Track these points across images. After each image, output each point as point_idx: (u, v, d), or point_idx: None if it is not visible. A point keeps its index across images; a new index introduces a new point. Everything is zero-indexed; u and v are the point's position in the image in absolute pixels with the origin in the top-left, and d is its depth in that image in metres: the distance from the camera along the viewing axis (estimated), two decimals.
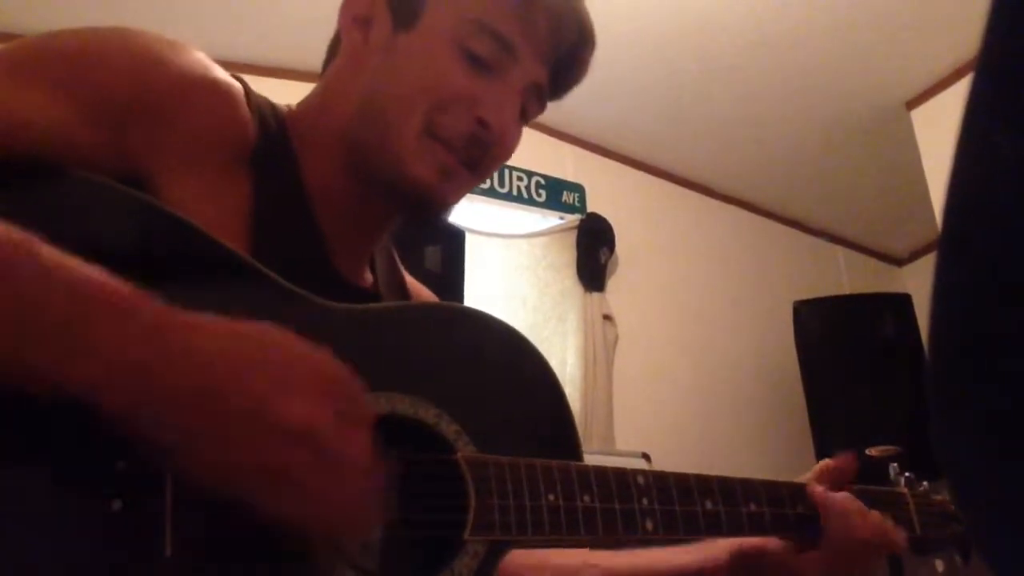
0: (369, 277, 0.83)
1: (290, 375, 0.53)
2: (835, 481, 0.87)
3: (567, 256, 3.26)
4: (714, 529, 0.77)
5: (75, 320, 0.49)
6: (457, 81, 0.73)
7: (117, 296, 0.51)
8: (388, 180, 0.74)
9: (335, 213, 0.75)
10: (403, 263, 0.95)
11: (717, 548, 0.86)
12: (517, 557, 0.73)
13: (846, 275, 4.13)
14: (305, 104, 0.79)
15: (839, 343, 3.16)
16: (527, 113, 0.80)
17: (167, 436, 0.50)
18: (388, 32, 0.75)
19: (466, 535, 0.63)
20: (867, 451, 0.90)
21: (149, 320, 0.51)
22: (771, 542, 0.85)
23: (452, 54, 0.73)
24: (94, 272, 0.51)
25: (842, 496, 0.85)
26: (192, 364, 0.51)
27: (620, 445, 2.95)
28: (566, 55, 0.78)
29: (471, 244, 2.70)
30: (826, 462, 0.89)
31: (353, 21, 0.78)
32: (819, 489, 0.85)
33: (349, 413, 0.54)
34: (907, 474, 0.92)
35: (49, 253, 0.50)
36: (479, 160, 0.76)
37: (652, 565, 0.87)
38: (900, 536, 0.85)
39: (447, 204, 0.77)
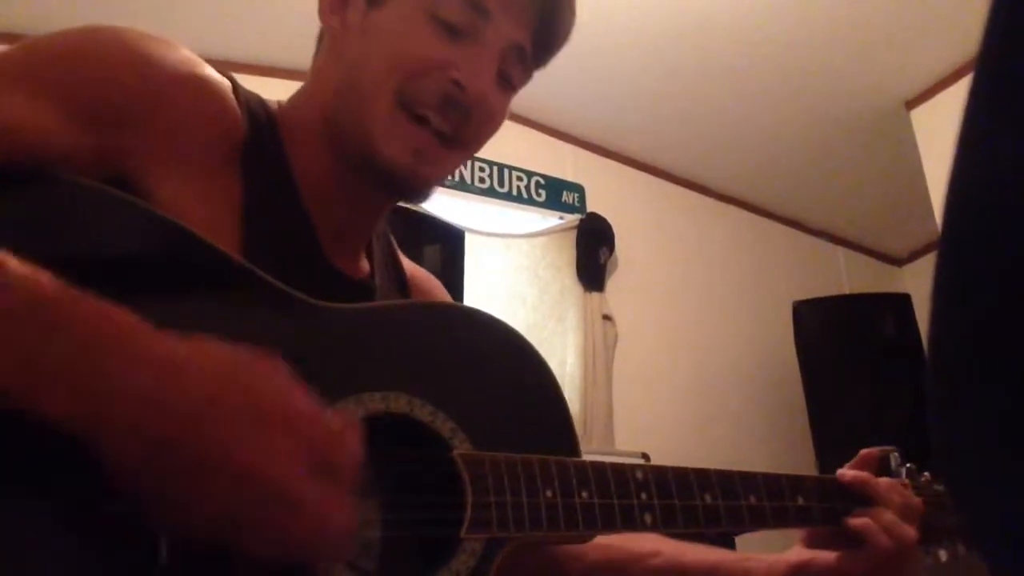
0: (365, 266, 0.83)
1: (264, 422, 0.50)
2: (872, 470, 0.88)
3: (567, 256, 3.26)
4: (713, 523, 0.77)
5: (44, 345, 0.47)
6: (428, 49, 0.71)
7: (89, 317, 0.49)
8: (363, 161, 0.73)
9: (326, 204, 0.75)
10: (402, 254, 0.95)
11: (779, 561, 0.86)
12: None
13: (846, 275, 4.13)
14: (294, 98, 0.79)
15: (839, 343, 3.16)
16: (510, 78, 0.77)
17: (132, 480, 0.48)
18: (362, 12, 0.75)
19: (463, 533, 0.63)
20: (860, 453, 0.91)
21: (119, 345, 0.49)
22: (824, 555, 0.85)
23: (423, 23, 0.72)
24: (67, 292, 0.49)
25: (886, 480, 0.86)
26: (158, 402, 0.48)
27: (620, 445, 2.95)
28: (544, 14, 0.76)
29: (471, 244, 2.71)
30: (870, 451, 0.90)
31: (330, 9, 0.77)
32: (861, 474, 0.86)
33: (329, 467, 0.51)
34: (908, 465, 0.92)
35: (17, 269, 0.48)
36: (460, 128, 0.73)
37: (716, 563, 0.87)
38: (910, 535, 0.85)
39: (424, 183, 0.75)
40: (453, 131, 0.73)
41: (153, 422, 0.48)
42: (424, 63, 0.71)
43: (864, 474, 0.87)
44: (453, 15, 0.72)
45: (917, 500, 0.87)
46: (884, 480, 0.87)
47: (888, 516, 0.83)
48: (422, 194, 0.76)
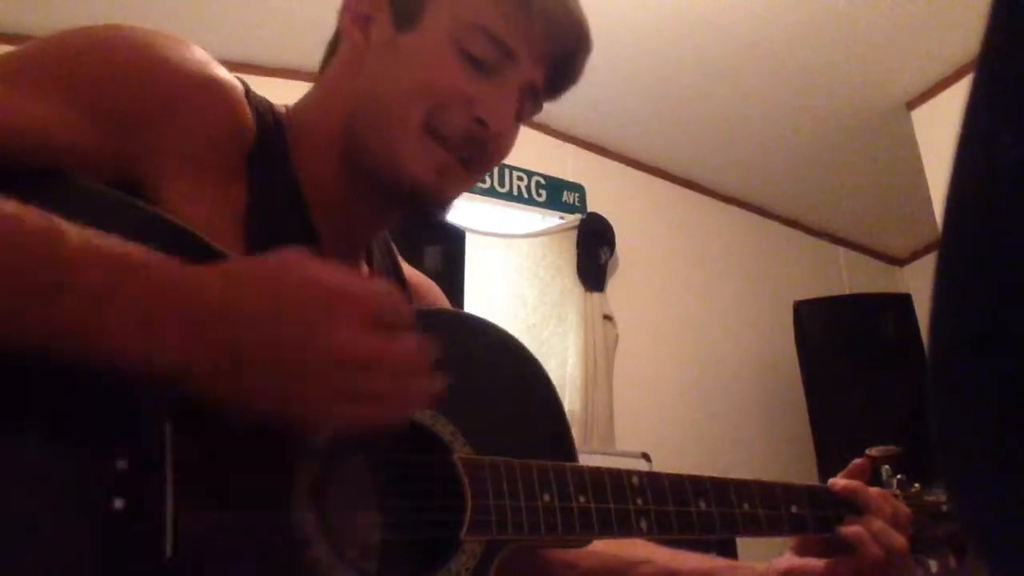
0: (364, 271, 0.83)
1: (321, 308, 0.55)
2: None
3: (567, 256, 3.26)
4: (708, 529, 0.78)
5: (116, 287, 0.51)
6: (456, 81, 0.74)
7: (148, 263, 0.54)
8: (386, 178, 0.74)
9: (330, 210, 0.76)
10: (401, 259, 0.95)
11: (771, 571, 0.88)
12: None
13: (846, 275, 4.13)
14: (302, 103, 0.80)
15: (839, 343, 3.16)
16: (523, 113, 0.80)
17: (226, 394, 0.54)
18: (389, 32, 0.76)
19: (463, 535, 0.64)
20: (867, 451, 0.90)
21: (181, 281, 0.54)
22: (815, 562, 0.86)
23: (451, 55, 0.74)
24: (118, 243, 0.53)
25: (877, 490, 0.87)
26: (230, 323, 0.54)
27: (620, 445, 2.95)
28: (562, 58, 0.79)
29: (471, 244, 2.71)
30: (861, 461, 0.91)
31: (353, 20, 0.78)
32: (852, 483, 0.88)
33: (384, 320, 0.57)
34: (899, 476, 0.93)
35: (73, 229, 0.52)
36: (476, 159, 0.77)
37: (707, 570, 0.88)
38: (900, 543, 0.85)
39: (445, 202, 0.78)
40: (470, 159, 0.76)
41: (235, 333, 0.53)
42: (451, 94, 0.74)
43: (855, 483, 0.89)
44: (481, 52, 0.74)
45: (906, 510, 0.88)
46: (875, 490, 0.89)
47: (878, 524, 0.85)
48: (442, 212, 0.79)
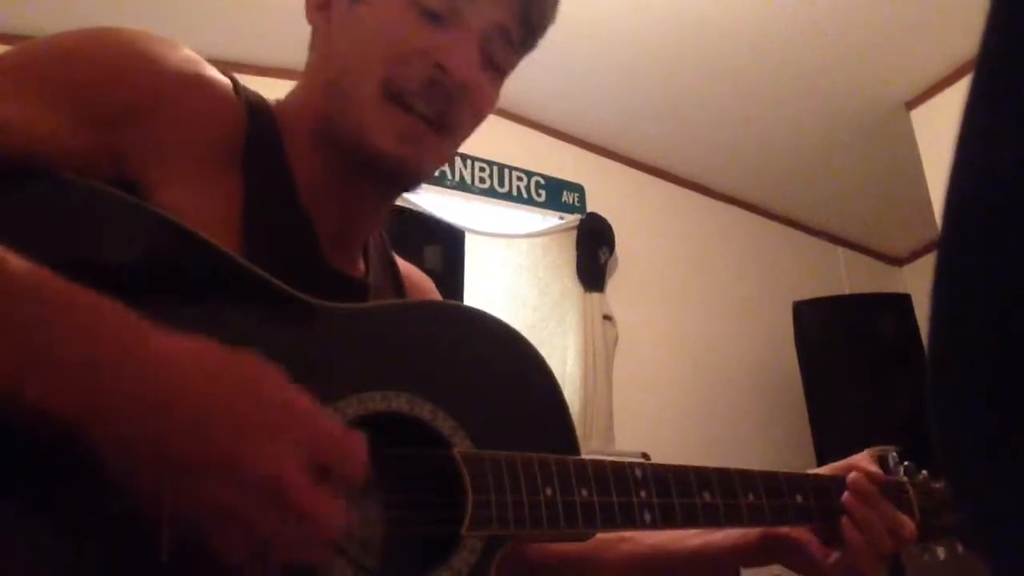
0: (362, 266, 0.83)
1: (268, 420, 0.51)
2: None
3: (567, 256, 3.26)
4: (712, 521, 0.78)
5: (40, 333, 0.48)
6: (411, 36, 0.71)
7: (87, 309, 0.50)
8: (353, 153, 0.73)
9: (324, 203, 0.75)
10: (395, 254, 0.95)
11: (751, 532, 0.87)
12: None
13: (846, 275, 4.13)
14: (288, 97, 0.80)
15: (839, 343, 3.16)
16: (497, 60, 0.77)
17: (130, 469, 0.49)
18: (345, 7, 0.75)
19: (463, 531, 0.64)
20: (867, 451, 0.90)
21: (118, 338, 0.50)
22: (796, 531, 0.86)
23: (404, 12, 0.72)
24: (66, 285, 0.50)
25: (858, 476, 0.87)
26: (159, 394, 0.49)
27: (620, 445, 2.95)
28: None
29: (471, 244, 2.71)
30: (857, 461, 0.90)
31: (315, 8, 0.78)
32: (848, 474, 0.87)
33: (326, 466, 0.52)
34: (906, 463, 0.93)
35: (17, 262, 0.49)
36: (444, 113, 0.73)
37: (684, 540, 0.88)
38: (909, 527, 0.85)
39: (416, 170, 0.75)
40: (438, 115, 0.72)
41: (153, 419, 0.48)
42: (407, 50, 0.71)
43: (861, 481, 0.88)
44: (433, 2, 0.72)
45: (903, 518, 0.87)
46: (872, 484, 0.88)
47: (874, 522, 0.84)
48: (413, 181, 0.76)
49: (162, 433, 0.48)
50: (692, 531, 0.88)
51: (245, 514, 0.49)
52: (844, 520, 0.84)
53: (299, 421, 0.52)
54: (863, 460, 0.91)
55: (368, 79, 0.71)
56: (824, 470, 0.90)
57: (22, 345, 0.48)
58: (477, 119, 0.77)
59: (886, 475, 0.92)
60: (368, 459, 0.55)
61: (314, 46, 0.79)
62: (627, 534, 0.88)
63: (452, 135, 0.75)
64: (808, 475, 0.87)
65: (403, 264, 0.93)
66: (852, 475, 0.87)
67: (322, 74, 0.76)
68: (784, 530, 0.86)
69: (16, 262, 0.50)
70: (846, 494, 0.85)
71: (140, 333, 0.51)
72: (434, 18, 0.72)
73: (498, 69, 0.77)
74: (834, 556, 0.85)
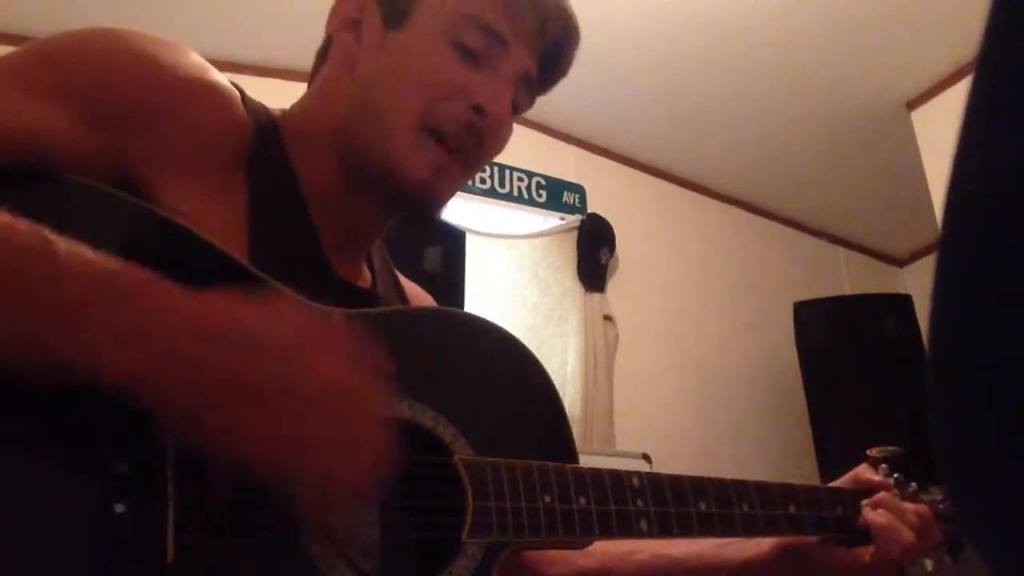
0: (367, 276, 0.84)
1: (314, 342, 0.55)
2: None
3: (567, 256, 3.26)
4: (708, 530, 0.79)
5: (102, 310, 0.50)
6: (451, 73, 0.74)
7: (138, 282, 0.52)
8: (382, 178, 0.74)
9: (330, 213, 0.76)
10: (403, 264, 0.95)
11: (764, 543, 0.88)
12: None
13: (846, 275, 4.13)
14: (297, 107, 0.80)
15: (839, 343, 3.16)
16: (517, 106, 0.80)
17: (207, 419, 0.52)
18: (379, 32, 0.76)
19: (464, 537, 0.64)
20: (867, 451, 0.90)
21: (172, 304, 0.53)
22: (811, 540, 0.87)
23: (444, 48, 0.74)
24: (110, 260, 0.52)
25: (885, 495, 0.88)
26: (217, 346, 0.52)
27: (620, 446, 2.95)
28: (552, 47, 0.80)
29: (471, 245, 2.70)
30: (862, 474, 0.91)
31: (343, 23, 0.78)
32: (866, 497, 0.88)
33: (373, 374, 0.57)
34: (896, 475, 0.93)
35: (62, 242, 0.51)
36: (472, 151, 0.76)
37: (701, 554, 0.88)
38: (908, 537, 0.86)
39: (441, 201, 0.77)
40: (467, 152, 0.76)
41: (218, 359, 0.52)
42: (447, 87, 0.73)
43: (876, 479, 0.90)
44: (474, 43, 0.74)
45: (923, 509, 0.88)
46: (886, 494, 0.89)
47: (895, 520, 0.85)
48: (437, 211, 0.79)
49: (236, 381, 0.52)
50: (709, 543, 0.89)
51: (316, 421, 0.53)
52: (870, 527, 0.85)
53: (339, 339, 0.58)
54: (864, 472, 0.91)
55: (406, 109, 0.73)
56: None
57: (83, 322, 0.50)
58: (495, 155, 0.80)
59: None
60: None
61: (333, 60, 0.79)
62: (638, 547, 0.88)
63: (473, 170, 0.79)
64: (800, 486, 0.88)
65: (404, 280, 0.94)
66: (876, 496, 0.87)
67: (344, 92, 0.76)
68: (799, 540, 0.87)
69: (61, 244, 0.51)
70: (869, 511, 0.86)
71: (187, 298, 0.54)
72: (471, 57, 0.74)
73: (516, 111, 0.81)
74: (860, 556, 0.85)
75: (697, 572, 0.88)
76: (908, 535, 0.84)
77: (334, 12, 0.79)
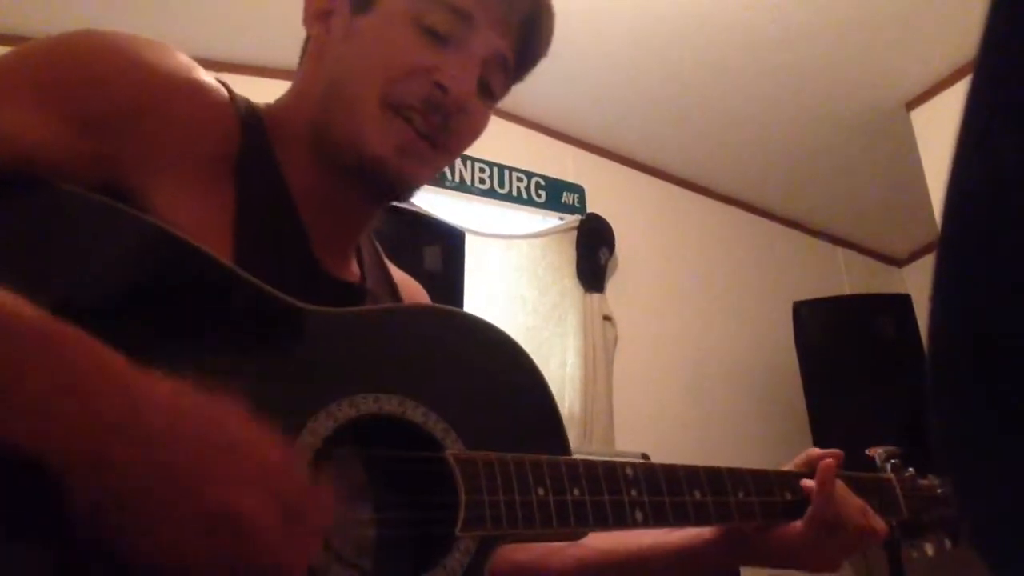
0: (356, 270, 0.83)
1: (244, 467, 0.50)
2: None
3: (567, 257, 3.26)
4: (703, 518, 0.79)
5: (8, 377, 0.47)
6: (414, 54, 0.73)
7: (61, 350, 0.49)
8: (350, 160, 0.74)
9: (317, 208, 0.75)
10: (403, 264, 0.95)
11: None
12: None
13: (846, 275, 4.13)
14: (279, 103, 0.80)
15: (839, 343, 3.16)
16: (492, 87, 0.79)
17: (99, 509, 0.47)
18: (347, 19, 0.76)
19: (457, 531, 0.64)
20: (867, 451, 0.90)
21: (98, 379, 0.49)
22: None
23: (409, 30, 0.74)
24: (38, 317, 0.49)
25: (830, 474, 0.88)
26: (125, 437, 0.48)
27: (620, 445, 2.95)
28: (525, 23, 0.78)
29: (471, 245, 2.70)
30: (813, 451, 0.91)
31: (315, 16, 0.78)
32: (808, 480, 0.88)
33: (295, 513, 0.51)
34: (893, 460, 0.93)
35: (4, 299, 0.48)
36: (440, 130, 0.75)
37: (638, 543, 0.88)
38: (880, 525, 0.86)
39: (410, 181, 0.76)
40: (434, 132, 0.74)
41: (125, 453, 0.47)
42: (409, 67, 0.73)
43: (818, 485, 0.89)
44: (438, 23, 0.74)
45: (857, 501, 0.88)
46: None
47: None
48: (407, 192, 0.77)
49: (129, 471, 0.47)
50: (646, 532, 0.89)
51: (217, 557, 0.48)
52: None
53: (273, 466, 0.52)
54: (813, 451, 0.93)
55: (368, 90, 0.72)
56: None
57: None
58: (469, 140, 0.79)
59: (874, 472, 0.92)
60: (361, 460, 0.55)
61: (308, 54, 0.79)
62: (580, 542, 0.87)
63: (446, 152, 0.77)
64: (796, 472, 0.89)
65: (397, 272, 0.94)
66: (823, 462, 0.88)
67: (319, 82, 0.76)
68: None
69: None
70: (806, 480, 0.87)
71: (115, 370, 0.50)
72: (437, 38, 0.74)
73: (492, 95, 0.79)
74: (795, 525, 0.85)
75: (631, 562, 0.88)
76: (842, 495, 0.85)
77: (306, 4, 0.79)
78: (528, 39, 0.79)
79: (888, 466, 0.93)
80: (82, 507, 0.46)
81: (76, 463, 0.46)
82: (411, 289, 0.94)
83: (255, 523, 0.49)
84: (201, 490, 0.48)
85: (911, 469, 0.94)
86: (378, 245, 0.92)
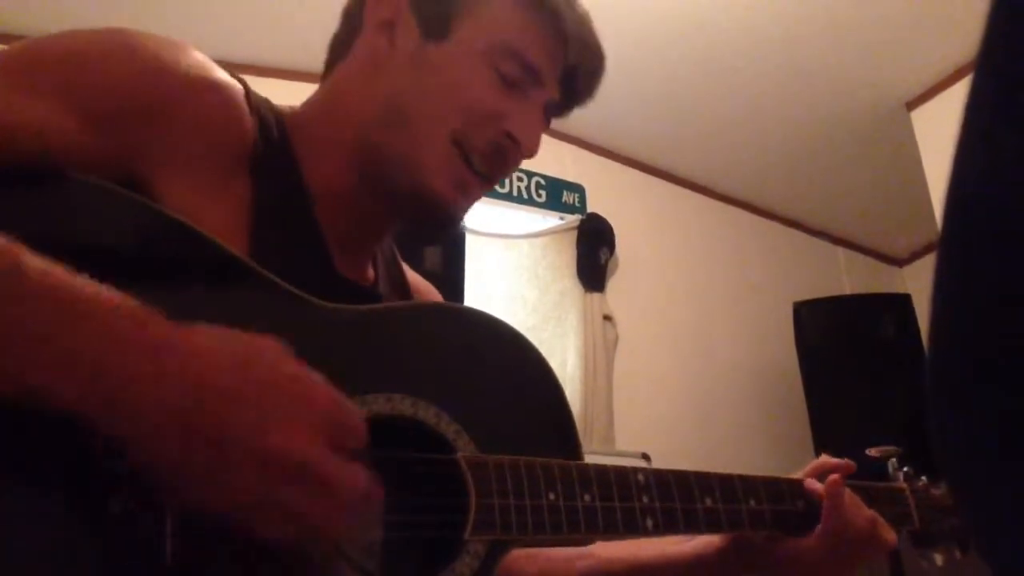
0: (371, 274, 0.83)
1: (284, 404, 0.52)
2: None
3: (567, 256, 3.26)
4: (714, 526, 0.78)
5: (62, 334, 0.48)
6: (492, 99, 0.75)
7: (108, 309, 0.50)
8: (404, 187, 0.74)
9: (338, 213, 0.75)
10: (403, 262, 0.95)
11: (714, 537, 0.87)
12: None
13: (846, 275, 4.12)
14: (311, 104, 0.79)
15: (839, 343, 3.16)
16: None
17: (156, 460, 0.49)
18: (416, 40, 0.76)
19: (467, 535, 0.63)
20: (867, 451, 0.90)
21: (139, 335, 0.50)
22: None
23: (484, 72, 0.75)
24: (84, 284, 0.50)
25: (839, 488, 0.86)
26: (183, 386, 0.49)
27: (620, 445, 2.95)
28: (583, 78, 0.82)
29: (471, 244, 2.70)
30: (824, 459, 0.90)
31: (378, 28, 0.77)
32: (817, 483, 0.87)
33: (343, 442, 0.53)
34: (905, 469, 0.93)
35: (34, 262, 0.50)
36: (495, 174, 0.78)
37: (649, 555, 0.88)
38: (890, 536, 0.85)
39: (460, 218, 0.79)
40: (489, 174, 0.77)
41: (177, 402, 0.49)
42: (484, 111, 0.75)
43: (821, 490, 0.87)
44: (511, 72, 0.76)
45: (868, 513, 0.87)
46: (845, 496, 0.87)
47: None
48: (453, 227, 0.80)
49: (187, 414, 0.49)
50: (653, 542, 0.88)
51: (283, 499, 0.50)
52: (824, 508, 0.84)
53: (313, 399, 0.53)
54: (825, 458, 0.91)
55: (441, 124, 0.74)
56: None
57: (42, 344, 0.48)
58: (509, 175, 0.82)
59: (884, 481, 0.91)
60: (370, 459, 0.55)
61: (358, 61, 0.78)
62: (582, 552, 0.87)
63: (490, 188, 0.81)
64: (810, 481, 0.87)
65: (412, 275, 0.94)
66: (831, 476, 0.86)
67: (375, 95, 0.76)
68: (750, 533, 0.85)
69: (33, 264, 0.50)
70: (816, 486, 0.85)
71: (159, 326, 0.51)
72: (509, 85, 0.76)
73: None
74: (806, 539, 0.84)
75: (640, 573, 0.87)
76: (852, 507, 0.83)
77: (370, 11, 0.78)
78: (582, 91, 0.84)
79: (901, 474, 0.92)
80: (139, 456, 0.48)
81: (129, 426, 0.48)
82: (425, 292, 0.95)
83: (315, 460, 0.51)
84: (251, 437, 0.50)
85: (924, 478, 0.93)
86: (395, 248, 0.92)
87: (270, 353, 0.54)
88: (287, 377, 0.53)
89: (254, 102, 0.73)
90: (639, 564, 0.88)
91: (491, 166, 0.76)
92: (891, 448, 0.94)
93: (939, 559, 0.91)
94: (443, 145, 0.74)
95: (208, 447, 0.49)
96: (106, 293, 0.51)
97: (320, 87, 0.81)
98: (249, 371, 0.52)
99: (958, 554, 0.91)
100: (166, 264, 0.61)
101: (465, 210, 0.79)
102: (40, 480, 0.50)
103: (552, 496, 0.68)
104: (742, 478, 0.81)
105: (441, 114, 0.74)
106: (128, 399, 0.48)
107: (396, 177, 0.74)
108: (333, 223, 0.75)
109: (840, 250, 4.21)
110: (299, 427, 0.51)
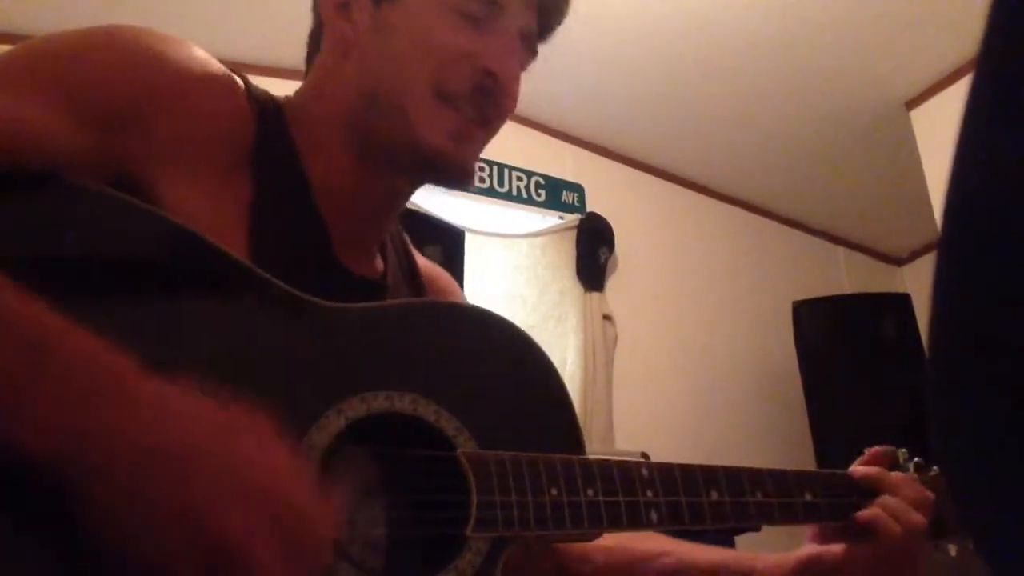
0: (379, 265, 0.83)
1: (241, 485, 0.49)
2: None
3: (566, 256, 3.26)
4: (719, 519, 0.77)
5: (21, 378, 0.46)
6: (457, 40, 0.74)
7: (72, 350, 0.48)
8: (404, 153, 0.74)
9: (339, 203, 0.75)
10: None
11: (788, 557, 0.86)
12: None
13: (846, 275, 4.13)
14: (298, 96, 0.79)
15: (839, 343, 3.16)
16: (523, 63, 0.80)
17: (96, 517, 0.46)
18: (370, 11, 0.76)
19: (468, 531, 0.63)
20: (866, 450, 0.90)
21: (101, 384, 0.48)
22: (833, 549, 0.84)
23: (444, 15, 0.74)
24: (51, 320, 0.48)
25: (898, 475, 0.86)
26: (136, 450, 0.47)
27: (620, 445, 2.95)
28: None
29: (470, 244, 2.70)
30: (879, 448, 0.90)
31: (335, 12, 0.77)
32: (872, 469, 0.86)
33: (300, 549, 0.50)
34: (916, 459, 0.92)
35: (7, 296, 0.48)
36: (487, 114, 0.76)
37: (726, 562, 0.87)
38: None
39: (469, 167, 0.77)
40: (482, 116, 0.76)
41: (134, 467, 0.47)
42: (455, 54, 0.73)
43: (876, 469, 0.87)
44: (474, 6, 0.74)
45: (929, 493, 0.85)
46: (896, 474, 0.87)
47: (894, 503, 0.83)
48: (466, 178, 0.78)
49: (142, 481, 0.46)
50: (738, 555, 0.88)
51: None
52: (876, 516, 0.82)
53: (277, 492, 0.50)
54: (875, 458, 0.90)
55: (417, 82, 0.73)
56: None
57: (9, 386, 0.46)
58: (508, 116, 0.80)
59: (896, 471, 0.91)
60: (372, 459, 0.54)
61: (327, 49, 0.79)
62: (665, 550, 0.87)
63: (492, 130, 0.79)
64: (818, 472, 0.86)
65: (425, 264, 0.93)
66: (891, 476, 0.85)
67: (350, 79, 0.76)
68: (821, 549, 0.85)
69: (9, 296, 0.48)
70: (884, 497, 0.84)
71: (129, 377, 0.49)
72: (473, 21, 0.74)
73: (522, 68, 0.80)
74: (854, 549, 0.83)
75: None
76: (908, 518, 0.82)
77: (322, 0, 0.78)
78: (550, 12, 0.80)
79: (911, 465, 0.92)
80: (86, 513, 0.46)
81: (78, 471, 0.46)
82: (441, 281, 0.94)
83: (249, 553, 0.47)
84: (199, 514, 0.47)
85: (935, 468, 0.92)
86: (406, 238, 0.91)
87: (246, 429, 0.51)
88: (256, 462, 0.50)
89: (253, 94, 0.73)
90: (716, 568, 0.87)
91: (480, 107, 0.75)
92: (891, 447, 0.94)
93: (953, 550, 0.90)
94: (426, 100, 0.73)
95: (153, 516, 0.46)
96: (77, 337, 0.48)
97: (305, 79, 0.81)
98: (215, 442, 0.49)
99: (971, 545, 0.90)
100: (161, 269, 0.60)
101: (473, 157, 0.77)
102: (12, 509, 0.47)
103: (555, 492, 0.68)
104: (748, 471, 0.80)
105: (415, 70, 0.73)
106: (84, 454, 0.46)
107: (393, 146, 0.74)
108: (337, 214, 0.75)
109: (840, 249, 4.21)
110: (253, 518, 0.48)
